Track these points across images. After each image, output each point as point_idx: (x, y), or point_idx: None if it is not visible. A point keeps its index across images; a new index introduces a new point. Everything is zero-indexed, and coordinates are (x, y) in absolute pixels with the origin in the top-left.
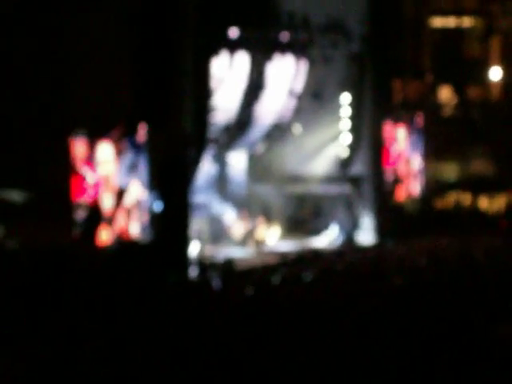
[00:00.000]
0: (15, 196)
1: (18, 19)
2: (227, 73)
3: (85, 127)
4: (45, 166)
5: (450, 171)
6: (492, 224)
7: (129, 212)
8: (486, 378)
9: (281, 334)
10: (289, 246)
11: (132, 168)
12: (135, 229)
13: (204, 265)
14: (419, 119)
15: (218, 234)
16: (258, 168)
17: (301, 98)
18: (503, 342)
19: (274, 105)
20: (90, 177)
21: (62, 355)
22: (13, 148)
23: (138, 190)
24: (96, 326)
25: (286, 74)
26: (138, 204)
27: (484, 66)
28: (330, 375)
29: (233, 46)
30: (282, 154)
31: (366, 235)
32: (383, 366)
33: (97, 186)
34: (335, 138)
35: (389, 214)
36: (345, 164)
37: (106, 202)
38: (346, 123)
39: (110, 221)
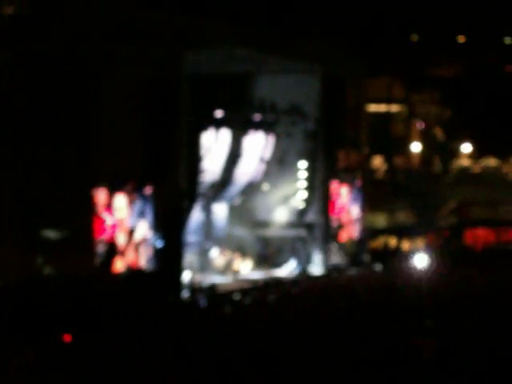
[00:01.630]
0: (51, 234)
1: (56, 93)
2: (213, 144)
3: (105, 181)
4: (74, 210)
5: (380, 220)
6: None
7: (137, 247)
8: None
9: (250, 341)
10: (258, 275)
11: (140, 214)
12: (142, 260)
13: (193, 289)
14: (358, 180)
15: (205, 265)
16: (235, 215)
17: (268, 163)
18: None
19: (248, 168)
20: (108, 219)
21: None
22: (51, 196)
23: (144, 231)
24: (112, 335)
25: (258, 145)
26: (145, 241)
27: (407, 142)
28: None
29: (218, 124)
30: (253, 205)
31: (317, 268)
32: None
33: (113, 226)
34: (294, 193)
35: (333, 253)
36: (301, 213)
37: (120, 239)
38: (302, 183)
39: (123, 254)
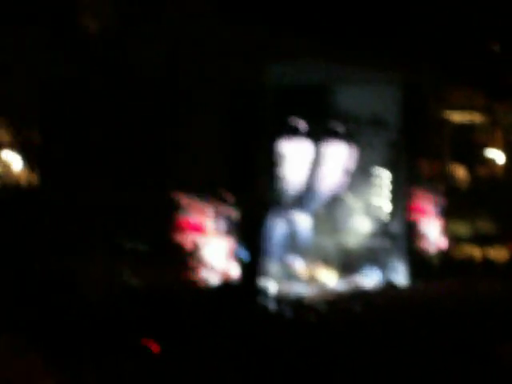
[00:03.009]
0: (138, 245)
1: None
2: (296, 155)
3: (189, 191)
4: (160, 221)
5: (463, 230)
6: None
7: (223, 258)
8: None
9: (336, 353)
10: (342, 285)
11: (224, 225)
12: (228, 272)
13: (279, 300)
14: (441, 190)
15: (289, 275)
16: (318, 226)
17: (351, 173)
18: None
19: (330, 179)
20: (194, 231)
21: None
22: (136, 207)
23: (229, 242)
24: (198, 346)
25: (340, 156)
26: (230, 252)
27: (489, 151)
28: None
29: (300, 135)
30: (336, 215)
31: (401, 278)
32: None
33: (199, 238)
34: (377, 203)
35: (418, 263)
36: (384, 223)
37: (206, 251)
38: (385, 193)
39: (209, 265)
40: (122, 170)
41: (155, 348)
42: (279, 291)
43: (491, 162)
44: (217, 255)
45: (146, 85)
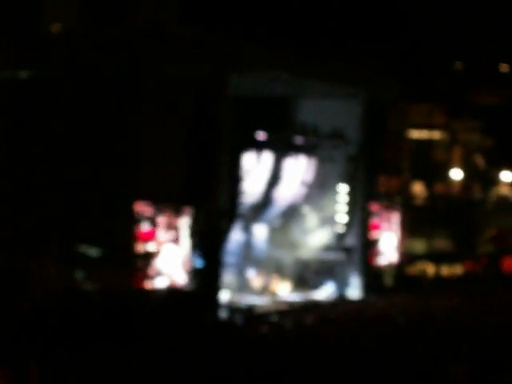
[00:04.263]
0: (91, 250)
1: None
2: (254, 165)
3: (146, 199)
4: (114, 227)
5: (418, 246)
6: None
7: (177, 266)
8: None
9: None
10: (296, 297)
11: (180, 232)
12: (181, 279)
13: (231, 308)
14: (397, 206)
15: (243, 285)
16: (274, 237)
17: (309, 186)
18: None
19: (288, 191)
20: (148, 238)
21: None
22: (91, 213)
23: (184, 250)
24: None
25: (299, 168)
26: (184, 260)
27: (447, 168)
28: None
29: (260, 146)
30: (293, 227)
31: (355, 291)
32: None
33: (153, 244)
34: (334, 217)
35: (372, 277)
36: (340, 237)
37: (159, 257)
38: (342, 206)
39: (162, 272)
40: (81, 174)
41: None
42: (232, 300)
43: (449, 179)
44: (170, 263)
45: (109, 89)
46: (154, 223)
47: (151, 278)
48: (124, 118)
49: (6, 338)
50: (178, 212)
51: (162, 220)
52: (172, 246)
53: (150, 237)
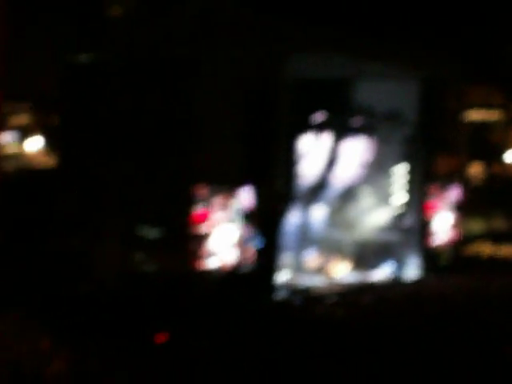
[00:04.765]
0: (152, 231)
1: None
2: (313, 147)
3: (204, 181)
4: (173, 209)
5: (476, 226)
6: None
7: (237, 247)
8: None
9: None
10: (353, 277)
11: (240, 214)
12: (241, 260)
13: (290, 289)
14: (456, 186)
15: (301, 266)
16: (333, 218)
17: (368, 167)
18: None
19: (347, 172)
20: (206, 219)
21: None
22: (150, 194)
23: (244, 231)
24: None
25: (357, 149)
26: (244, 241)
27: (506, 149)
28: None
29: (318, 127)
30: (351, 208)
31: (412, 272)
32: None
33: (212, 226)
34: (392, 198)
35: (429, 257)
36: (399, 217)
37: (218, 239)
38: (400, 187)
39: (221, 253)
40: (140, 156)
41: (160, 337)
42: (290, 282)
43: (508, 160)
44: (228, 245)
45: (168, 72)
46: (210, 205)
47: (210, 259)
48: (183, 101)
49: (68, 321)
50: (235, 193)
51: (218, 201)
52: (230, 227)
53: (207, 218)
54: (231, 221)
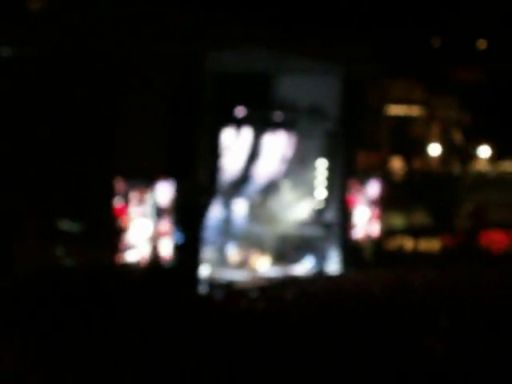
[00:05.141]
0: (72, 225)
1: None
2: (234, 142)
3: (126, 175)
4: (94, 203)
5: (397, 221)
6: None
7: (157, 241)
8: None
9: (264, 335)
10: (275, 272)
11: (161, 208)
12: (161, 254)
13: (211, 284)
14: (376, 181)
15: (223, 261)
16: (254, 213)
17: (289, 162)
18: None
19: (268, 167)
20: (127, 213)
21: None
22: (71, 187)
23: (164, 225)
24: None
25: (279, 144)
26: (165, 236)
27: (426, 144)
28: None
29: (239, 122)
30: (272, 203)
31: (334, 266)
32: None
33: (132, 220)
34: (313, 192)
35: (350, 252)
36: (319, 212)
37: (139, 233)
38: (321, 182)
39: (141, 247)
40: (61, 150)
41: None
42: (212, 276)
43: (428, 154)
44: (148, 239)
45: (88, 65)
46: (128, 199)
47: (130, 253)
48: (102, 94)
49: None
50: (158, 186)
51: (135, 195)
52: (150, 221)
53: (127, 212)
54: (149, 215)
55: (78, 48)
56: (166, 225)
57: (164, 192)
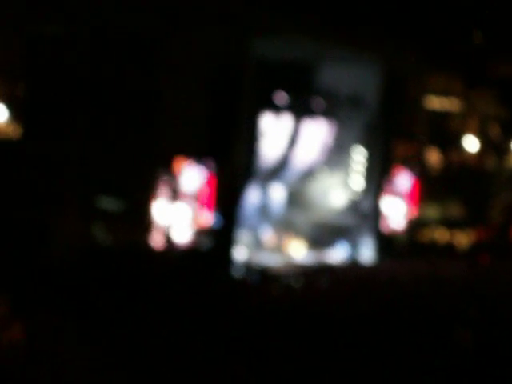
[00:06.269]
0: (112, 205)
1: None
2: (274, 128)
3: (168, 156)
4: (135, 184)
5: (432, 212)
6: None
7: (194, 224)
8: None
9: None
10: (309, 258)
11: (200, 191)
12: (199, 237)
13: (247, 268)
14: (413, 172)
15: (259, 245)
16: (292, 199)
17: (327, 150)
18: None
19: (307, 154)
20: (168, 195)
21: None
22: (112, 168)
23: (202, 209)
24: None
25: (318, 132)
26: (203, 218)
27: (463, 138)
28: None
29: (279, 109)
30: (310, 190)
31: (367, 256)
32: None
33: (173, 202)
34: (351, 181)
35: (385, 242)
36: (355, 201)
37: (178, 216)
38: (359, 171)
39: (180, 230)
40: (102, 129)
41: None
42: (249, 260)
43: (464, 148)
44: (187, 221)
45: (133, 48)
46: (167, 181)
47: (167, 235)
48: (147, 78)
49: (25, 291)
50: (198, 169)
51: (174, 178)
52: (187, 204)
53: (165, 194)
54: (186, 197)
55: (124, 32)
56: (202, 208)
57: (203, 175)
